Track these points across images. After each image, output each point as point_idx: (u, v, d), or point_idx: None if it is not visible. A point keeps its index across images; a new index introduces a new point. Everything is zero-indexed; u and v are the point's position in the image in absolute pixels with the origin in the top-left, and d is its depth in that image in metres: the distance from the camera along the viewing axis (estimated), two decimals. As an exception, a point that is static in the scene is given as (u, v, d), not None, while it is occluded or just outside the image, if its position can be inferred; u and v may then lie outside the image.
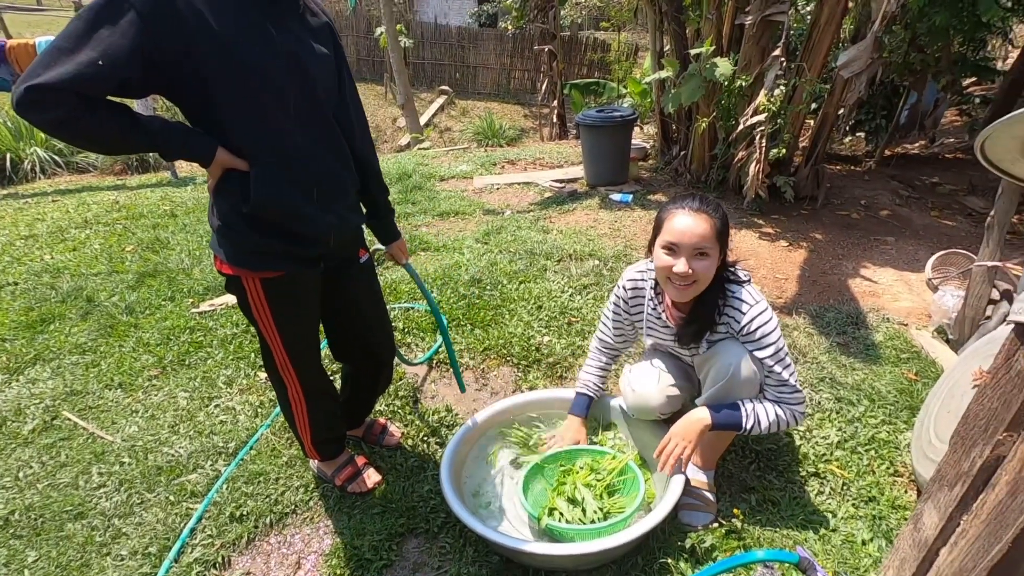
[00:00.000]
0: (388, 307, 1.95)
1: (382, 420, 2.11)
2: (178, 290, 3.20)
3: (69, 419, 2.22)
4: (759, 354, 1.55)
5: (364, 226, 1.70)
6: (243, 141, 1.29)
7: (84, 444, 2.10)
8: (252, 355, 2.59)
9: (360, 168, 1.56)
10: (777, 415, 1.56)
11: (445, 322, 2.20)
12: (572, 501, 1.66)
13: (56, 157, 7.13)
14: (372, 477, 1.86)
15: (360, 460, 1.90)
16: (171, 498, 1.84)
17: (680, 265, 1.50)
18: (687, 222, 1.49)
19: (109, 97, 1.17)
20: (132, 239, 3.98)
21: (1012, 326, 0.87)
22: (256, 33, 1.23)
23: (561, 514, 1.63)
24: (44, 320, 2.92)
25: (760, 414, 1.56)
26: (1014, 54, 6.61)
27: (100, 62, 1.08)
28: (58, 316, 2.96)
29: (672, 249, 1.52)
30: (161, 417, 2.22)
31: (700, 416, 1.58)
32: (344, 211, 1.49)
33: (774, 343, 1.54)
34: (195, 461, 1.99)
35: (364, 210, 1.68)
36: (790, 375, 1.55)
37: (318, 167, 1.39)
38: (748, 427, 1.56)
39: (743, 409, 1.56)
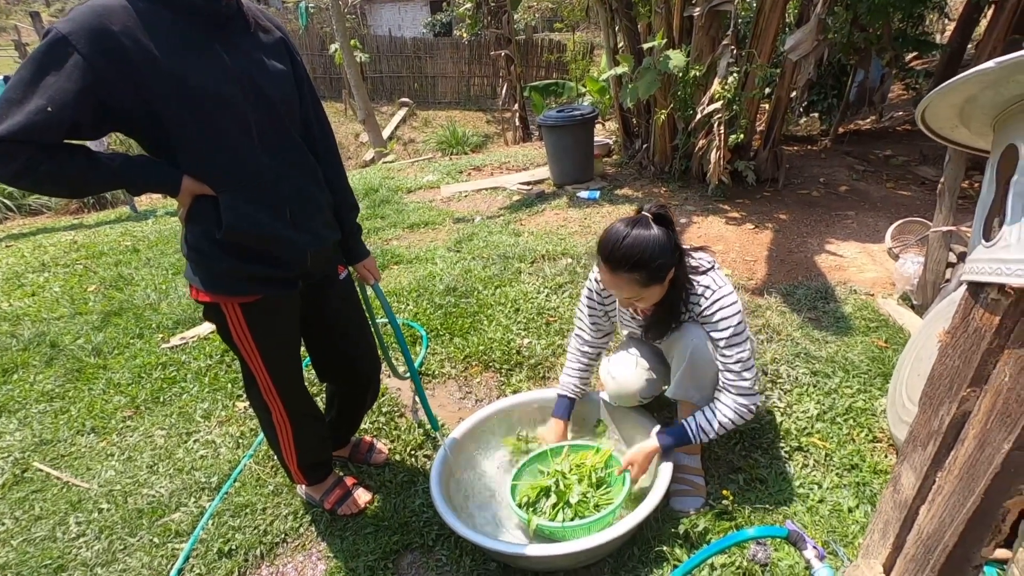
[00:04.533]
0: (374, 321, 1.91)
1: (368, 438, 2.08)
2: (146, 326, 3.11)
3: (41, 470, 2.14)
4: (714, 335, 1.59)
5: None
6: (207, 169, 1.26)
7: (59, 494, 2.02)
8: (229, 385, 2.53)
9: (327, 185, 1.53)
10: (721, 422, 1.61)
11: (416, 366, 2.17)
12: (560, 497, 1.67)
13: (7, 201, 6.88)
14: (362, 496, 1.84)
15: (349, 480, 1.88)
16: (155, 540, 1.79)
17: (620, 302, 1.65)
18: (606, 279, 1.55)
19: (67, 141, 1.15)
20: (94, 278, 3.86)
21: (964, 286, 0.91)
22: (206, 59, 1.21)
23: (552, 509, 1.64)
24: (6, 371, 2.81)
25: (704, 426, 1.63)
26: (951, 27, 6.88)
27: (49, 108, 1.06)
28: (21, 365, 2.85)
29: None
30: (138, 458, 2.15)
31: (651, 443, 1.67)
32: (319, 228, 1.46)
33: (732, 327, 1.56)
34: (178, 500, 1.94)
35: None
36: (736, 361, 1.57)
37: (288, 187, 1.37)
38: (697, 442, 1.66)
39: (688, 429, 1.65)
